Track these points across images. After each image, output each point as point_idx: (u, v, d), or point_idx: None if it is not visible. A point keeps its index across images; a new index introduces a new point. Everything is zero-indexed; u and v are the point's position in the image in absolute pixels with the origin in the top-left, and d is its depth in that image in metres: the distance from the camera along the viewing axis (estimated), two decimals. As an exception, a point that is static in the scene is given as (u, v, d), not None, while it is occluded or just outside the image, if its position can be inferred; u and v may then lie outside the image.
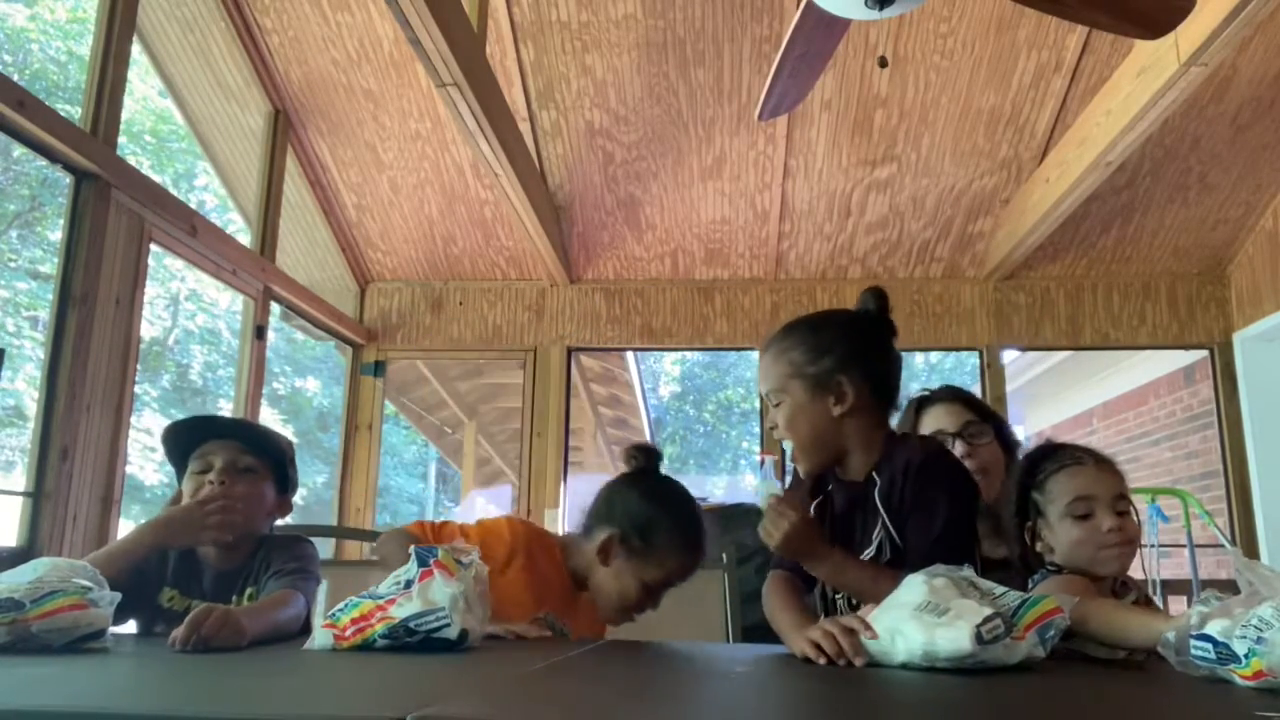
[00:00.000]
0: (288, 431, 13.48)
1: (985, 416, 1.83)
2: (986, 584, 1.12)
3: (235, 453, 1.67)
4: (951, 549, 1.28)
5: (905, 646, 1.05)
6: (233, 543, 1.64)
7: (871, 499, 1.41)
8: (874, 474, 1.42)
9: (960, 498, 1.39)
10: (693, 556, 1.68)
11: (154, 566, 1.65)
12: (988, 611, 1.03)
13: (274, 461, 1.72)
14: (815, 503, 1.51)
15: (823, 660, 1.11)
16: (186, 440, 1.71)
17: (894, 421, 1.55)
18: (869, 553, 1.40)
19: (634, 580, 1.64)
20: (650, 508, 1.68)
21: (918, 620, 1.05)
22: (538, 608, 1.63)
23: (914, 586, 1.11)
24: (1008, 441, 1.85)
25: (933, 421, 1.84)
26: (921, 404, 1.90)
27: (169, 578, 1.65)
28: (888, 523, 1.38)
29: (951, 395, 1.88)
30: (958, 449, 1.76)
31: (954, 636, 1.01)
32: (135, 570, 1.62)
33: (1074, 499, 1.39)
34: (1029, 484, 1.46)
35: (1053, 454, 1.46)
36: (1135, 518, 1.43)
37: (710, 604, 2.31)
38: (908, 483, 1.37)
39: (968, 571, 1.14)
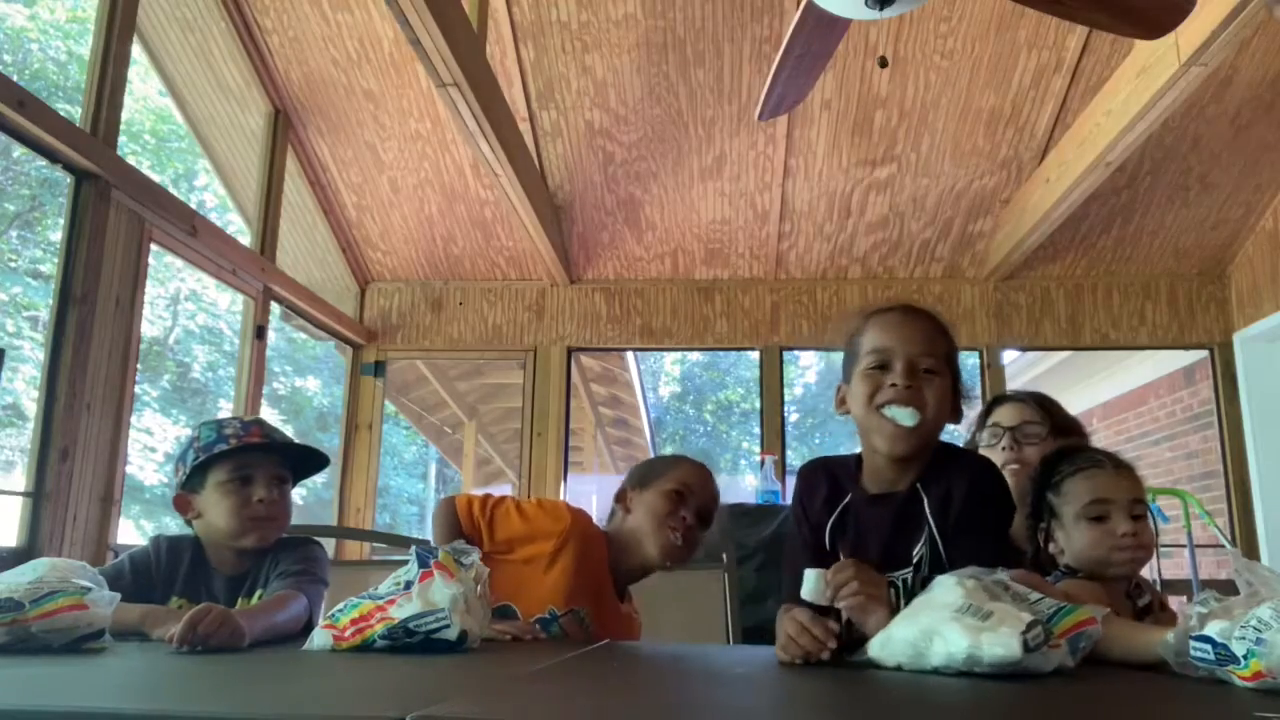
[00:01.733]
0: (288, 431, 13.49)
1: (1046, 416, 1.86)
2: (1019, 588, 1.09)
3: (273, 464, 1.70)
4: (1004, 562, 1.25)
5: (945, 649, 1.00)
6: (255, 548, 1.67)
7: (921, 513, 1.36)
8: (919, 486, 1.37)
9: (1005, 519, 1.39)
10: (693, 463, 1.80)
11: (163, 576, 1.65)
12: (1029, 618, 1.00)
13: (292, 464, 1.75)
14: (835, 515, 1.43)
15: (798, 661, 1.11)
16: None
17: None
18: (915, 561, 1.36)
19: (654, 497, 1.72)
20: (645, 461, 1.88)
21: (959, 623, 1.01)
22: (573, 601, 1.65)
23: (948, 588, 1.07)
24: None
25: (995, 418, 1.91)
26: (995, 401, 1.96)
27: (178, 587, 1.65)
28: (937, 537, 1.34)
29: (1021, 396, 1.93)
30: (1005, 441, 1.83)
31: (1003, 642, 0.97)
32: (144, 580, 1.63)
33: (1090, 501, 1.39)
34: (1045, 486, 1.45)
35: (1071, 456, 1.46)
36: (1153, 524, 1.41)
37: (710, 604, 2.31)
38: (964, 500, 1.34)
39: (1001, 575, 1.10)
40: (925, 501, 1.35)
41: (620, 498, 1.78)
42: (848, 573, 1.17)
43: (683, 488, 1.73)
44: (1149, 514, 1.42)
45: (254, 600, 1.60)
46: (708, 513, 1.76)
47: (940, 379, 1.37)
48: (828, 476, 1.45)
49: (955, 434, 2.01)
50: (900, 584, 1.35)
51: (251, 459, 1.67)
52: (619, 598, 1.76)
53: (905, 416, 1.33)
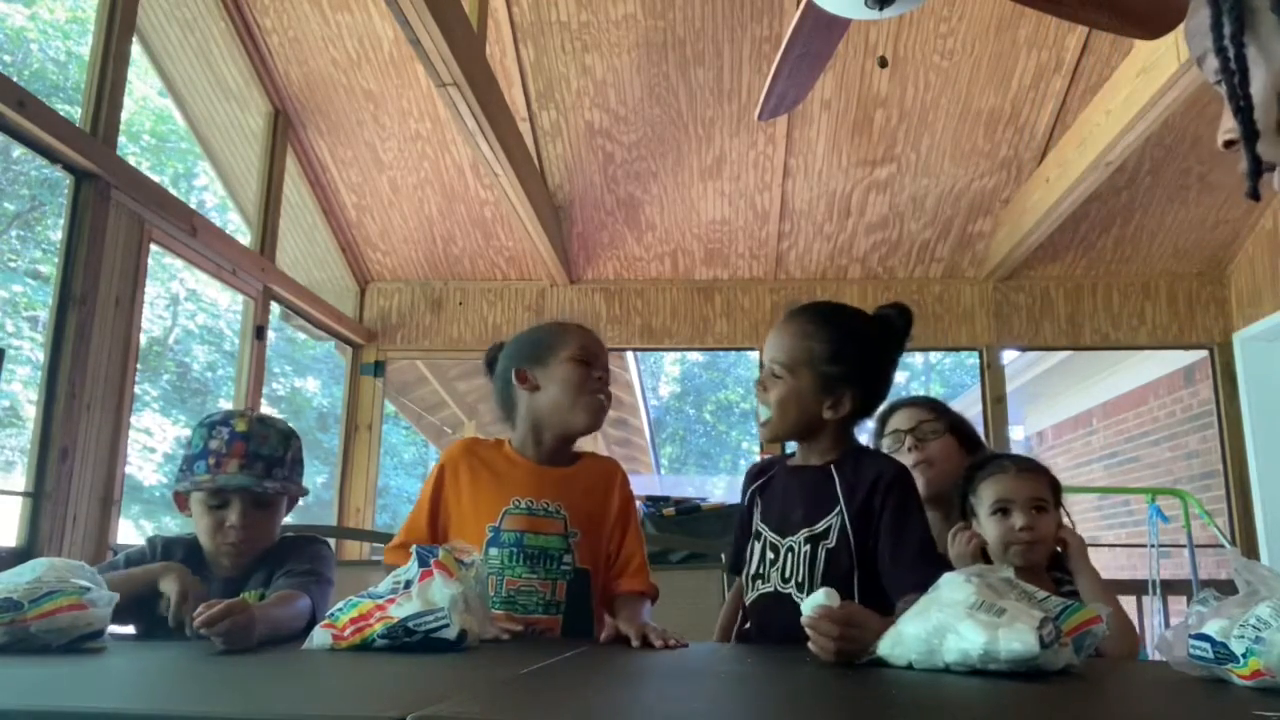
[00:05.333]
0: (288, 431, 13.45)
1: (940, 415, 1.96)
2: (1027, 586, 1.09)
3: (254, 485, 1.64)
4: (934, 553, 1.47)
5: (959, 646, 1.00)
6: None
7: (833, 489, 1.48)
8: (832, 467, 1.50)
9: (924, 512, 1.52)
10: (578, 327, 1.75)
11: None
12: (1040, 614, 1.00)
13: (289, 473, 1.71)
14: (756, 485, 1.62)
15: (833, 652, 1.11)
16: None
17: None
18: (817, 528, 1.47)
19: (560, 370, 1.67)
20: (513, 339, 1.79)
21: (974, 619, 1.00)
22: (505, 501, 1.61)
23: (957, 585, 1.06)
24: (965, 436, 1.97)
25: (893, 424, 1.99)
26: (889, 410, 2.03)
27: None
28: (847, 516, 1.46)
29: (909, 401, 2.04)
30: (908, 443, 1.90)
31: (1021, 638, 0.97)
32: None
33: (994, 500, 1.66)
34: (966, 489, 1.72)
35: (985, 463, 1.73)
36: (1060, 518, 1.67)
37: (709, 604, 2.31)
38: (887, 495, 1.45)
39: (1008, 572, 1.11)
40: (836, 481, 1.48)
41: (520, 379, 1.69)
42: (832, 630, 1.12)
43: (585, 354, 1.68)
44: (1055, 510, 1.66)
45: (256, 598, 1.60)
46: (607, 366, 1.74)
47: (785, 381, 1.50)
48: (768, 463, 1.67)
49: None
50: (795, 545, 1.48)
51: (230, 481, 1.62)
52: (556, 464, 1.69)
53: (760, 413, 1.55)
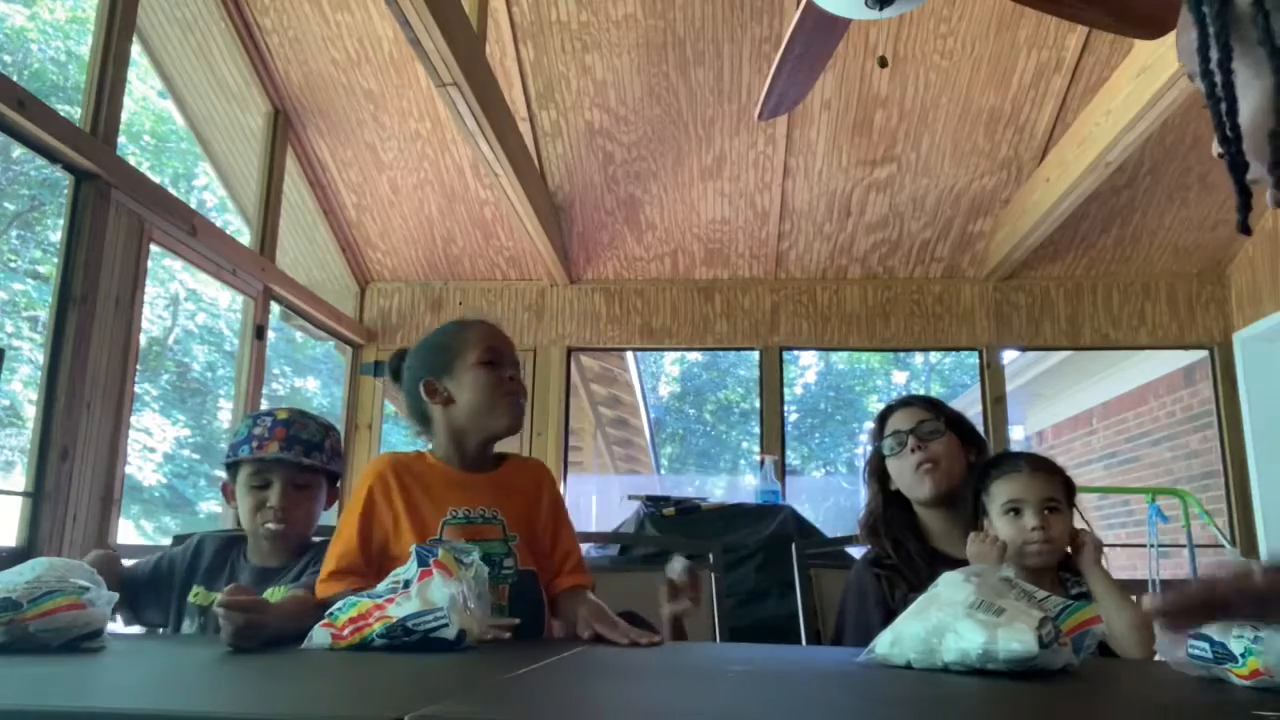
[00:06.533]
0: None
1: (938, 413, 1.90)
2: (1027, 586, 1.09)
3: (293, 470, 1.72)
4: None
5: (959, 645, 0.99)
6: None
7: None
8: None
9: None
10: (479, 323, 1.69)
11: (186, 565, 1.72)
12: (1039, 614, 0.99)
13: (328, 459, 1.78)
14: None
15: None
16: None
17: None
18: None
19: (469, 376, 1.62)
20: (415, 349, 1.72)
21: (973, 619, 1.00)
22: (441, 513, 1.58)
23: (956, 585, 1.06)
24: (966, 433, 1.91)
25: (892, 425, 1.92)
26: (886, 411, 1.98)
27: (200, 575, 1.71)
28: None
29: (906, 401, 1.99)
30: (910, 443, 1.84)
31: (1019, 637, 0.97)
32: (168, 570, 1.71)
33: (1007, 500, 1.64)
34: (979, 488, 1.70)
35: (998, 462, 1.72)
36: (1073, 518, 1.65)
37: (702, 604, 2.30)
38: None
39: (1007, 572, 1.11)
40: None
41: (430, 392, 1.63)
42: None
43: (491, 354, 1.63)
44: (1067, 510, 1.65)
45: (284, 592, 1.60)
46: (517, 360, 1.69)
47: None
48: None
49: (854, 455, 2.17)
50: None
51: (270, 465, 1.71)
52: (482, 469, 1.66)
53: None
